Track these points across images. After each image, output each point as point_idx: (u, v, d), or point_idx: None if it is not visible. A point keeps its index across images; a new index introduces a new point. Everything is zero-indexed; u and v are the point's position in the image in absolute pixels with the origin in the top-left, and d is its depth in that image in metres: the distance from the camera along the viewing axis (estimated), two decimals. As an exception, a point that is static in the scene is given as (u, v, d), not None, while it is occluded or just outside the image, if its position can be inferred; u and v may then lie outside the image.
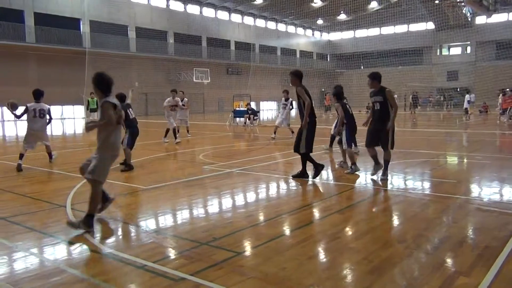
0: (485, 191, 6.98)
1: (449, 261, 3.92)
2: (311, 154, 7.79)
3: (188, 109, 16.49)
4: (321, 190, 7.40)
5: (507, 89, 24.26)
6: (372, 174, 7.81)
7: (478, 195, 6.75)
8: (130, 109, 9.43)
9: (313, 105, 7.69)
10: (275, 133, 15.49)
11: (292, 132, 15.72)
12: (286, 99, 15.64)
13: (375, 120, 7.71)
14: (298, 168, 8.04)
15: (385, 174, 7.58)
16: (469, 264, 3.76)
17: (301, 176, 7.81)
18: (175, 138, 14.34)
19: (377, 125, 7.59)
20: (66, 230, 4.88)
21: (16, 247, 4.34)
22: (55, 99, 35.12)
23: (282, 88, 18.82)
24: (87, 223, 4.76)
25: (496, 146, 13.97)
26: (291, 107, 15.72)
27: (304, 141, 7.59)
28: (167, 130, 14.60)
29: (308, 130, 7.56)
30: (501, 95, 24.78)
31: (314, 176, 7.77)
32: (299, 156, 7.92)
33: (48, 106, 9.74)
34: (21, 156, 9.13)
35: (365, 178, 8.09)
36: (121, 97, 9.36)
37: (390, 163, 7.64)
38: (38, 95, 9.60)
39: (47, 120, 9.70)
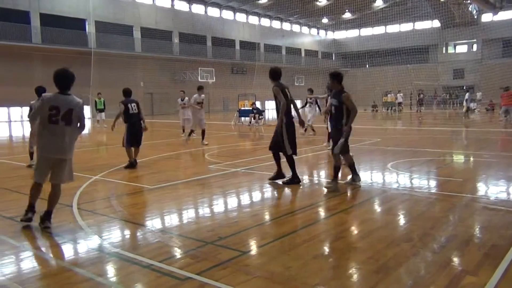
0: (492, 189, 6.93)
1: (455, 260, 3.90)
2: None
3: (189, 109, 16.52)
4: (326, 189, 7.37)
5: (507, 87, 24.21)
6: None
7: (484, 193, 6.70)
8: (133, 104, 9.36)
9: (294, 105, 7.26)
10: (305, 131, 15.33)
11: (313, 130, 15.83)
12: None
13: (332, 127, 7.27)
14: (300, 168, 8.03)
15: (354, 178, 7.08)
16: (476, 263, 3.74)
17: (277, 177, 7.36)
18: (187, 135, 14.18)
19: (334, 133, 7.08)
20: (72, 229, 4.91)
21: (23, 247, 4.36)
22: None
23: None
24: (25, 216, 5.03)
25: (503, 144, 13.88)
26: (317, 105, 15.71)
27: (287, 142, 7.11)
28: (203, 131, 13.80)
29: (287, 131, 7.08)
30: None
31: (281, 180, 7.23)
32: (303, 156, 7.90)
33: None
34: (32, 155, 9.18)
35: (370, 177, 8.06)
36: (126, 92, 9.42)
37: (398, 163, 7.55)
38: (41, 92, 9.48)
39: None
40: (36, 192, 5.15)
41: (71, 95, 5.11)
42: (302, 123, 7.47)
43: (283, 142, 7.13)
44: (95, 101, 23.32)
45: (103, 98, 23.27)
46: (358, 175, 7.16)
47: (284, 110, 6.95)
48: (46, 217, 4.95)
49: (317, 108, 15.84)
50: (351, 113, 6.72)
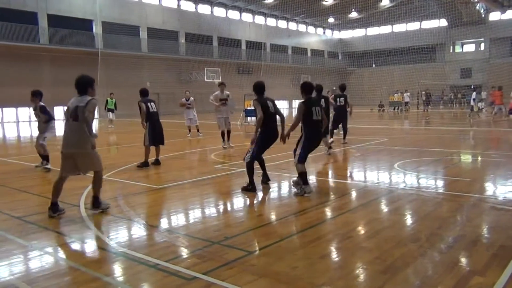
0: (500, 189, 6.88)
1: (463, 260, 3.88)
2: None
3: (194, 108, 16.54)
4: (332, 189, 7.37)
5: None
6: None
7: (492, 193, 6.66)
8: (152, 103, 9.58)
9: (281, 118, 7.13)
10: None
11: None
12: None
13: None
14: (309, 168, 8.01)
15: (297, 188, 6.65)
16: (484, 263, 3.71)
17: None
18: (223, 141, 12.67)
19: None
20: (80, 229, 4.94)
21: (31, 246, 4.40)
22: (68, 99, 35.44)
23: (293, 87, 18.82)
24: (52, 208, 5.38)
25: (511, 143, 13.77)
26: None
27: (255, 148, 6.92)
28: (223, 133, 12.68)
29: (261, 139, 6.91)
30: None
31: (242, 188, 6.90)
32: (311, 155, 7.91)
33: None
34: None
35: (377, 177, 8.03)
36: (143, 92, 9.61)
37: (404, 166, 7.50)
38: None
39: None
40: (59, 186, 5.51)
41: (85, 96, 5.63)
42: (283, 138, 6.91)
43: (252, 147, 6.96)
44: (107, 101, 23.16)
45: (114, 99, 23.17)
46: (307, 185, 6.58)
47: (259, 125, 6.85)
48: (95, 202, 5.61)
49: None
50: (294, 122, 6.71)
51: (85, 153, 5.48)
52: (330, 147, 10.80)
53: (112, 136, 18.67)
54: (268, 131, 6.93)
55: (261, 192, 6.88)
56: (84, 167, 5.59)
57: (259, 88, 7.09)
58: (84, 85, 5.67)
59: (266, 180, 7.26)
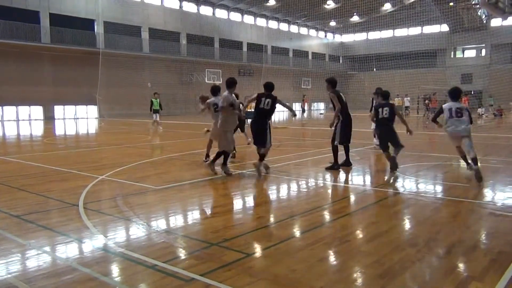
0: (499, 195, 6.89)
1: (461, 265, 3.88)
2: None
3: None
4: (331, 192, 7.37)
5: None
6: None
7: (491, 199, 6.66)
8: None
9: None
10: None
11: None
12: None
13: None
14: (308, 171, 8.01)
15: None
16: (482, 269, 3.71)
17: (345, 164, 9.05)
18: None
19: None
20: (78, 228, 4.93)
21: (29, 245, 4.39)
22: (69, 99, 35.62)
23: (294, 90, 18.84)
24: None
25: (511, 150, 13.76)
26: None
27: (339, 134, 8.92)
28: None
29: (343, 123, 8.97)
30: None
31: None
32: (311, 158, 7.94)
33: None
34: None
35: (376, 181, 8.02)
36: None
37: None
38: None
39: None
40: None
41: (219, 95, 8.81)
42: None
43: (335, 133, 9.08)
44: (151, 101, 21.78)
45: (158, 99, 21.90)
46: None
47: (337, 113, 9.00)
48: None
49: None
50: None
51: (221, 134, 8.56)
52: None
53: (158, 137, 18.64)
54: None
55: (263, 194, 6.88)
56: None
57: (334, 82, 9.08)
58: (217, 89, 9.38)
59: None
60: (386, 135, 8.71)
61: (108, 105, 36.24)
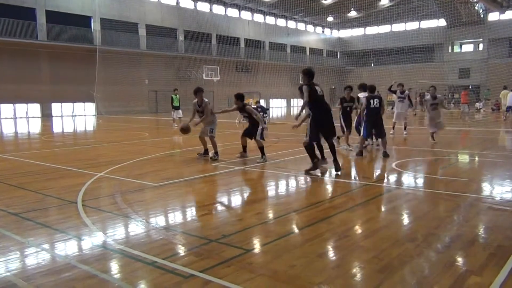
0: (497, 189, 6.90)
1: (460, 260, 3.89)
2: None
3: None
4: (330, 187, 7.38)
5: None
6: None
7: (490, 193, 6.67)
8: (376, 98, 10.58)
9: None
10: (393, 128, 14.76)
11: (405, 128, 15.00)
12: (402, 92, 14.71)
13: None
14: (307, 166, 8.02)
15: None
16: (481, 263, 3.72)
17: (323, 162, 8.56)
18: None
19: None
20: (77, 226, 4.93)
21: (28, 243, 4.38)
22: (67, 96, 35.53)
23: (291, 86, 18.85)
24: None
25: (509, 144, 13.80)
26: (409, 101, 14.93)
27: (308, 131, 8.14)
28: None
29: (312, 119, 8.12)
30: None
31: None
32: (308, 154, 7.97)
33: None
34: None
35: (375, 176, 8.03)
36: (241, 96, 10.10)
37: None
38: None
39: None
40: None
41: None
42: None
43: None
44: (172, 98, 21.18)
45: (178, 95, 21.31)
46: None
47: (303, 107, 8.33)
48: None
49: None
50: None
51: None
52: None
53: (177, 136, 18.61)
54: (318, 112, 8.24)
55: (262, 190, 6.87)
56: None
57: (311, 74, 8.27)
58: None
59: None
60: (374, 125, 10.20)
61: (106, 102, 36.18)
